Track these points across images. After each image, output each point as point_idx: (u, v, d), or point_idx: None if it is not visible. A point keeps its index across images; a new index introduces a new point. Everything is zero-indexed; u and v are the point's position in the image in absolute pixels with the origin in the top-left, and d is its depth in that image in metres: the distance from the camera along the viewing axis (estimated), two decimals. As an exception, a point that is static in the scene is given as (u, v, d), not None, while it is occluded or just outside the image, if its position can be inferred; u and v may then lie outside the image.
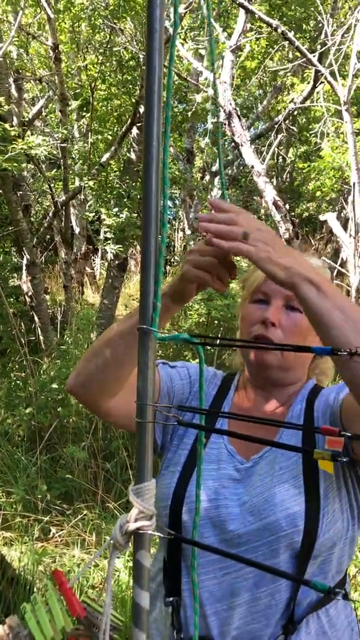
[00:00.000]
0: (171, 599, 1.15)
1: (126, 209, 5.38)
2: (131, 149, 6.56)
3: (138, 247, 9.52)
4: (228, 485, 1.16)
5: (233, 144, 5.27)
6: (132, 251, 10.08)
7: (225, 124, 4.38)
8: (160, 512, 1.20)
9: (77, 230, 9.54)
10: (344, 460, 0.73)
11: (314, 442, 1.14)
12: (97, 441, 4.22)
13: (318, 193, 8.69)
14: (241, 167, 10.23)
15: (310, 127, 9.61)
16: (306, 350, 0.74)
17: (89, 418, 4.46)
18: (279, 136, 6.45)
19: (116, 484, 3.89)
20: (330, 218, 4.38)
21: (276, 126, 6.51)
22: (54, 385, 4.74)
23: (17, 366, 5.49)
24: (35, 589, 2.70)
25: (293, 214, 10.69)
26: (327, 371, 1.34)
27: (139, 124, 6.23)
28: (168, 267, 10.40)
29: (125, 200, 5.54)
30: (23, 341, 4.91)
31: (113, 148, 6.37)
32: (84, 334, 5.39)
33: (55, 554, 3.13)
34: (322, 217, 4.64)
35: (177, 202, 11.43)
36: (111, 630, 1.23)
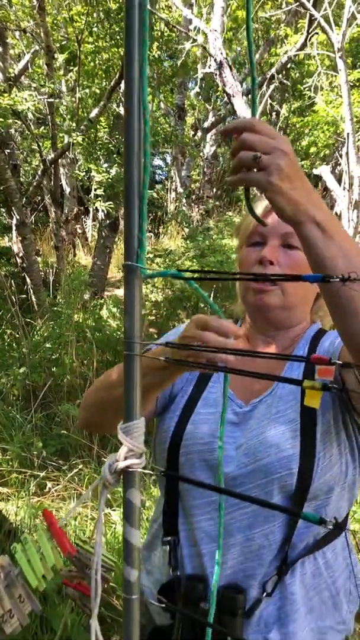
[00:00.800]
0: (168, 538, 1.18)
1: (116, 165, 5.27)
2: (120, 104, 6.40)
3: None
4: (223, 428, 1.16)
5: (225, 97, 5.13)
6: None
7: (215, 74, 4.25)
8: (159, 456, 1.22)
9: (67, 190, 9.39)
10: (335, 388, 0.71)
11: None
12: (91, 399, 4.23)
13: (312, 149, 8.56)
14: (233, 119, 10.01)
15: (304, 81, 9.41)
16: (296, 279, 0.71)
17: (83, 376, 4.47)
18: (271, 86, 6.28)
19: (112, 439, 3.92)
20: (324, 171, 4.30)
21: (268, 76, 6.33)
22: (47, 345, 4.74)
23: (9, 327, 5.47)
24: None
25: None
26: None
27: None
28: (160, 228, 10.29)
29: (115, 156, 5.43)
30: (14, 300, 4.88)
31: (102, 103, 6.21)
32: (76, 294, 5.36)
33: (51, 508, 3.17)
34: (315, 171, 4.56)
35: (168, 160, 11.24)
36: (104, 570, 1.24)
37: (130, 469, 0.90)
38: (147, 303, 6.37)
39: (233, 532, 1.11)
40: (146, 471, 0.92)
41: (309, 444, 1.08)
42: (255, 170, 0.83)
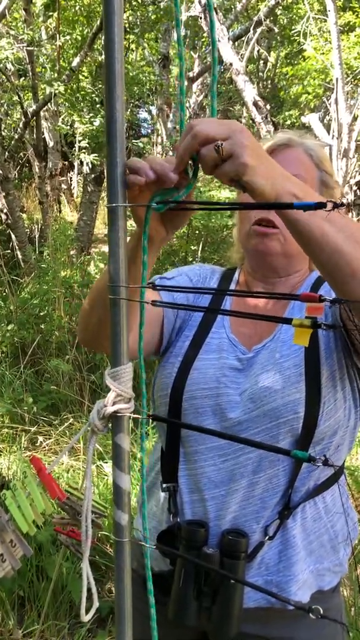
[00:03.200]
0: (167, 485, 1.17)
1: (100, 115, 5.12)
2: (103, 52, 6.18)
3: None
4: (229, 374, 1.15)
5: (210, 44, 4.95)
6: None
7: (200, 18, 4.09)
8: (160, 402, 1.21)
9: (50, 144, 9.16)
10: (325, 325, 0.69)
11: (316, 333, 1.11)
12: (81, 354, 4.24)
13: (302, 98, 8.37)
14: (220, 70, 9.75)
15: (293, 28, 9.13)
16: (288, 207, 0.69)
17: (72, 332, 4.45)
18: (259, 30, 6.07)
19: (102, 394, 3.92)
20: (312, 119, 4.21)
21: (255, 19, 6.11)
22: (35, 302, 4.70)
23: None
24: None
25: (274, 120, 10.32)
26: None
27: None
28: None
29: (98, 106, 5.27)
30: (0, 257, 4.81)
31: (83, 51, 5.99)
32: (62, 250, 5.28)
33: (44, 462, 3.20)
34: (304, 119, 4.47)
35: (154, 113, 10.97)
36: (96, 516, 1.25)
37: (118, 414, 0.89)
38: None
39: (237, 477, 1.11)
40: (135, 416, 0.92)
41: (315, 387, 1.08)
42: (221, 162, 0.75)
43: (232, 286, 1.29)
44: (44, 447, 3.45)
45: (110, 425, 0.90)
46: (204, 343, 1.20)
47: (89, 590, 0.86)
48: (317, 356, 1.10)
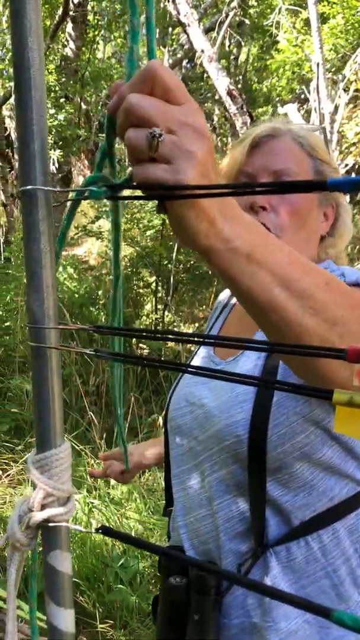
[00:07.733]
0: (169, 509, 1.15)
1: (64, 110, 4.83)
2: (66, 44, 5.90)
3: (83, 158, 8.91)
4: (196, 391, 1.07)
5: (180, 39, 4.67)
6: (80, 165, 9.42)
7: (167, 1, 3.78)
8: None
9: (15, 143, 8.80)
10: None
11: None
12: (47, 370, 3.91)
13: (276, 91, 8.19)
14: (190, 65, 9.51)
15: (265, 19, 8.93)
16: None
17: (37, 346, 4.12)
18: (227, 21, 5.77)
19: (71, 413, 3.64)
20: (290, 110, 3.94)
21: (225, 9, 5.83)
22: (-3, 312, 4.38)
23: None
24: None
25: (250, 111, 10.14)
26: (340, 256, 1.12)
27: (74, 14, 5.57)
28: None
29: (62, 101, 4.98)
30: None
31: (45, 43, 5.68)
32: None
33: (6, 495, 2.86)
34: (281, 110, 4.21)
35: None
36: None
37: (51, 524, 0.60)
38: (107, 262, 6.02)
39: (203, 502, 1.02)
40: (74, 527, 0.61)
41: (262, 408, 0.93)
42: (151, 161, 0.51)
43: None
44: (3, 481, 3.09)
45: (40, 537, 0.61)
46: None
47: None
48: (275, 372, 0.96)
